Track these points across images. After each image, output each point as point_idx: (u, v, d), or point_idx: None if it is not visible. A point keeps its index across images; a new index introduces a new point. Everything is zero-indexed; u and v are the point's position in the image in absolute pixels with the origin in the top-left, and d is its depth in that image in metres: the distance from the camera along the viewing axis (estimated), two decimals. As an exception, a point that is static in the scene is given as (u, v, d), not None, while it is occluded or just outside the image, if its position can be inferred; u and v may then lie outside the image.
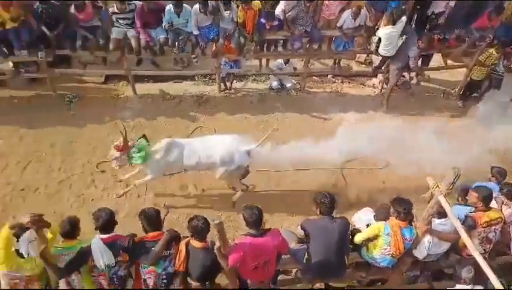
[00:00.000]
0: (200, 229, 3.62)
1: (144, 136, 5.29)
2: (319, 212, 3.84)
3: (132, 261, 3.72)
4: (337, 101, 8.06)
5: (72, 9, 6.52)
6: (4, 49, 6.56)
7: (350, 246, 4.05)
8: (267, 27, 7.17)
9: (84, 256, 3.51)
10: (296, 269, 4.27)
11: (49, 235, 3.50)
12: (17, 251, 3.43)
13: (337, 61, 8.45)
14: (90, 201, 5.92)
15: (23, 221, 3.29)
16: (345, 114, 7.64)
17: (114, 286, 3.70)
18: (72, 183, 6.17)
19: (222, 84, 7.93)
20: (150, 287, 3.75)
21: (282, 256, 3.87)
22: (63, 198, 5.99)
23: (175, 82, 8.17)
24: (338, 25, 7.45)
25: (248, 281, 3.86)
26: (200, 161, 5.19)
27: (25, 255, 3.37)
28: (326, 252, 3.74)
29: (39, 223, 3.30)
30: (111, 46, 6.81)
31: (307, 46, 7.63)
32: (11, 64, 7.15)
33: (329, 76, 8.69)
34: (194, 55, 7.41)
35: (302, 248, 3.92)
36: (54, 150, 6.63)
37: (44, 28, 6.48)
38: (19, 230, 3.35)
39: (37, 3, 6.38)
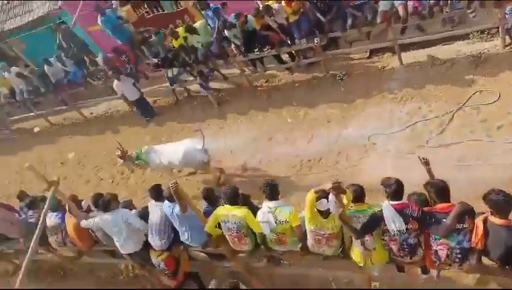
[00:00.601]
0: (502, 204, 3.26)
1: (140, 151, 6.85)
2: None
3: (421, 231, 3.74)
4: None
5: (343, -8, 7.00)
6: (288, 40, 7.73)
7: None
8: None
9: (377, 220, 3.79)
10: None
11: (344, 200, 3.95)
12: (319, 211, 4.07)
13: None
14: (359, 170, 6.32)
15: (325, 187, 3.84)
16: None
17: (404, 253, 3.85)
18: (348, 153, 6.70)
19: (507, 37, 6.67)
20: (442, 259, 3.68)
21: None
22: (340, 168, 6.65)
23: (444, 44, 7.50)
24: None
25: None
26: (171, 161, 6.60)
27: (333, 212, 3.94)
28: None
29: (338, 189, 3.78)
30: (378, 19, 6.91)
31: None
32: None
33: None
34: (470, 10, 6.54)
35: None
36: (330, 124, 7.41)
37: (319, 15, 7.25)
38: (321, 194, 3.95)
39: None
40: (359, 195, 4.07)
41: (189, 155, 6.38)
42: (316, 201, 3.93)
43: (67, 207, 5.41)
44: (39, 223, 4.51)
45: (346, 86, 7.88)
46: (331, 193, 3.85)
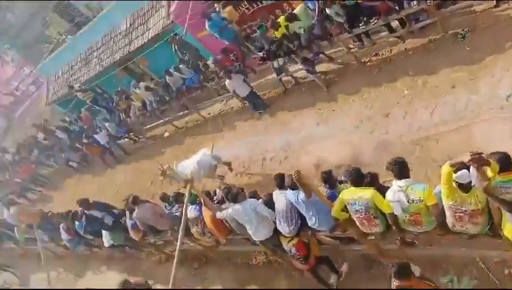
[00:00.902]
0: None
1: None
2: None
3: None
4: None
5: None
6: (396, 6, 7.12)
7: None
8: None
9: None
10: None
11: (489, 173, 3.51)
12: (459, 185, 3.70)
13: None
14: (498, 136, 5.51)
15: (463, 159, 3.48)
16: None
17: None
18: (482, 119, 5.95)
19: None
20: None
21: None
22: (474, 136, 5.92)
23: None
24: None
25: None
26: (193, 171, 7.39)
27: (476, 185, 3.57)
28: None
29: (480, 161, 3.38)
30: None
31: None
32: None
33: None
34: None
35: None
36: (456, 90, 6.65)
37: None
38: (459, 167, 3.59)
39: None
40: (505, 163, 3.56)
41: (202, 162, 7.52)
42: (454, 173, 3.59)
43: (202, 201, 5.96)
44: (182, 216, 5.07)
45: (471, 44, 6.95)
46: (471, 166, 3.49)
